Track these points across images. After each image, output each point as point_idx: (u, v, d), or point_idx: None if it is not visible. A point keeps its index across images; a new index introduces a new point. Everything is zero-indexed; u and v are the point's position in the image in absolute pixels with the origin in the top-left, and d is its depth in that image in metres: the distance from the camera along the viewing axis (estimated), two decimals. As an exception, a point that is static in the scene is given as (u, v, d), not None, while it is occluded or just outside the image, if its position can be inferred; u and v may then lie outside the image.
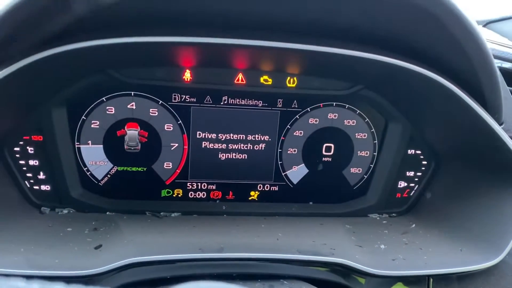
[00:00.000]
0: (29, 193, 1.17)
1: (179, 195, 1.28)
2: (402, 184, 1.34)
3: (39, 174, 1.17)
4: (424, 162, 1.32)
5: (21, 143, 1.13)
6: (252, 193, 1.31)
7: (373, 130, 1.28)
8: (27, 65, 0.86)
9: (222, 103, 1.21)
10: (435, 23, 0.86)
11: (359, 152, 1.30)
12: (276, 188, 1.32)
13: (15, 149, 1.13)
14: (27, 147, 1.13)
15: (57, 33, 0.79)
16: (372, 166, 1.32)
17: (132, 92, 1.16)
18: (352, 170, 1.32)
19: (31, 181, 1.17)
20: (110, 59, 1.04)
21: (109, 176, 1.22)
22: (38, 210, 1.19)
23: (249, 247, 1.03)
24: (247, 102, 1.22)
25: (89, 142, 1.18)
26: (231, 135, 1.24)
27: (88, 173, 1.21)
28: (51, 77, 1.01)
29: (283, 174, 1.30)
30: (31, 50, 0.84)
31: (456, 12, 0.85)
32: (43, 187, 1.18)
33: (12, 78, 0.86)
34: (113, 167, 1.21)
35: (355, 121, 1.27)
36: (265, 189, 1.32)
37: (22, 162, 1.14)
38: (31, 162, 1.15)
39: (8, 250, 0.95)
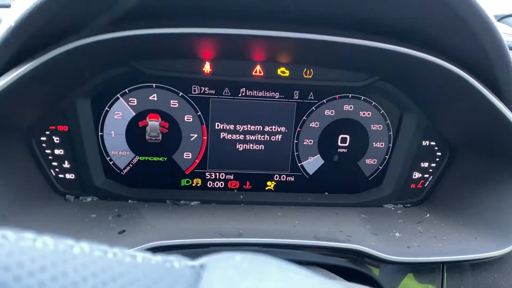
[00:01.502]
0: (54, 182, 1.22)
1: (198, 185, 1.32)
2: (416, 175, 1.36)
3: (64, 163, 1.21)
4: (439, 153, 1.33)
5: (47, 133, 1.17)
6: (268, 183, 1.34)
7: (388, 121, 1.30)
8: (55, 56, 0.90)
9: (240, 95, 1.24)
10: (452, 15, 0.88)
11: (374, 143, 1.33)
12: (292, 179, 1.35)
13: (42, 138, 1.17)
14: (53, 137, 1.18)
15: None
16: (387, 157, 1.34)
17: (154, 84, 1.19)
18: (368, 161, 1.34)
19: (57, 170, 1.21)
20: (133, 51, 1.07)
21: (131, 165, 1.26)
22: (63, 197, 1.23)
23: (267, 233, 1.06)
24: (264, 94, 1.24)
25: (112, 132, 1.22)
26: (249, 126, 1.27)
27: (111, 163, 1.25)
28: (77, 68, 1.05)
29: (299, 164, 1.33)
30: (63, 40, 0.88)
31: (473, 3, 0.87)
32: (68, 176, 1.22)
33: (40, 69, 0.90)
34: (135, 157, 1.25)
35: (370, 112, 1.29)
36: (282, 179, 1.34)
37: (48, 151, 1.19)
38: (57, 152, 1.19)
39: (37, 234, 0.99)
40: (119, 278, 0.32)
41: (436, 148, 1.32)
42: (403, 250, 1.06)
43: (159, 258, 0.37)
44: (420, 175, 1.36)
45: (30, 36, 0.84)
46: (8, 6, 1.07)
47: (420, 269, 1.10)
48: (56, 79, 1.02)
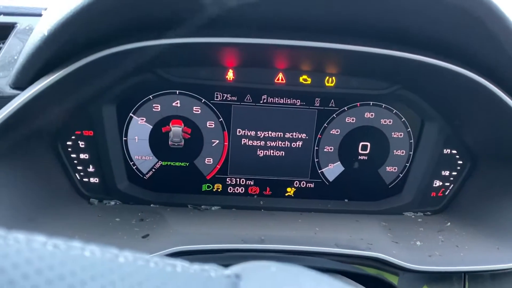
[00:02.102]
0: (79, 185, 1.24)
1: (219, 190, 1.33)
2: (437, 183, 1.35)
3: (89, 167, 1.24)
4: (460, 162, 1.33)
5: (73, 137, 1.20)
6: (288, 189, 1.35)
7: (410, 129, 1.30)
8: (85, 64, 0.92)
9: (261, 102, 1.25)
10: (477, 24, 0.88)
11: (395, 151, 1.32)
12: (312, 185, 1.35)
13: (68, 143, 1.20)
14: (79, 142, 1.20)
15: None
16: (408, 165, 1.34)
17: (177, 91, 1.21)
18: (388, 168, 1.34)
19: (81, 173, 1.24)
20: (159, 59, 1.09)
21: (153, 170, 1.28)
22: (87, 201, 1.26)
23: (288, 239, 1.07)
24: (285, 101, 1.25)
25: (136, 137, 1.24)
26: (270, 132, 1.28)
27: (134, 167, 1.27)
28: (104, 76, 1.07)
29: (319, 171, 1.34)
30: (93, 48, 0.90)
31: (497, 12, 0.87)
32: (92, 180, 1.25)
33: (71, 76, 0.93)
34: (157, 161, 1.27)
35: (391, 120, 1.29)
36: (301, 185, 1.35)
37: (73, 155, 1.21)
38: (82, 156, 1.22)
39: (64, 237, 1.01)
40: (162, 287, 0.34)
41: (457, 156, 1.32)
42: (425, 259, 1.06)
43: (196, 267, 0.38)
44: (441, 183, 1.35)
45: (62, 44, 0.87)
46: (39, 15, 1.10)
47: (438, 279, 1.10)
48: (84, 86, 1.05)
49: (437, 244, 1.15)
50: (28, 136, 1.05)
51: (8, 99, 0.95)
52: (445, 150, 1.31)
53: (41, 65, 0.92)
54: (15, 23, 1.10)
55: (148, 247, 1.00)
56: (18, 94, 0.95)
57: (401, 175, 1.35)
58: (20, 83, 0.96)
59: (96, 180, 1.25)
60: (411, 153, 1.33)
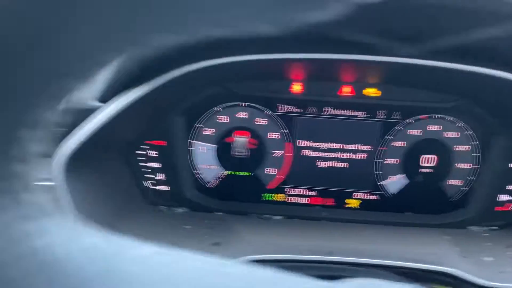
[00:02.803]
0: (150, 193, 1.30)
1: (280, 200, 1.36)
2: (502, 197, 1.32)
3: (159, 176, 1.29)
4: (527, 176, 1.30)
5: (145, 147, 1.26)
6: (350, 201, 1.36)
7: (475, 143, 1.29)
8: (163, 83, 0.98)
9: (325, 114, 1.27)
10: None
11: (459, 164, 1.31)
12: (374, 197, 1.36)
13: (140, 152, 1.26)
14: (150, 151, 1.26)
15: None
16: (473, 178, 1.32)
17: (244, 103, 1.25)
18: (452, 182, 1.33)
19: (152, 181, 1.30)
20: (230, 74, 1.14)
21: (218, 179, 1.33)
22: (157, 208, 1.31)
23: (357, 252, 1.08)
24: (349, 113, 1.27)
25: (203, 147, 1.29)
26: (332, 144, 1.30)
27: (201, 176, 1.32)
28: (177, 90, 1.13)
29: (381, 184, 1.34)
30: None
31: None
32: (162, 188, 1.30)
33: (150, 93, 0.98)
34: (223, 171, 1.32)
35: (456, 133, 1.28)
36: (364, 197, 1.36)
37: (144, 164, 1.27)
38: (153, 165, 1.28)
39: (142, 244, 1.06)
40: None
41: (525, 170, 1.29)
42: (497, 276, 1.04)
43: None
44: (507, 198, 1.32)
45: (148, 61, 0.92)
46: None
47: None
48: (162, 99, 1.10)
49: (506, 260, 1.13)
50: (106, 146, 1.11)
51: (91, 111, 1.01)
52: (511, 164, 1.29)
53: (126, 79, 0.97)
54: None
55: (221, 255, 1.03)
56: (100, 107, 1.01)
57: (466, 189, 1.33)
58: (105, 96, 1.02)
59: (165, 188, 1.30)
60: (477, 166, 1.31)
